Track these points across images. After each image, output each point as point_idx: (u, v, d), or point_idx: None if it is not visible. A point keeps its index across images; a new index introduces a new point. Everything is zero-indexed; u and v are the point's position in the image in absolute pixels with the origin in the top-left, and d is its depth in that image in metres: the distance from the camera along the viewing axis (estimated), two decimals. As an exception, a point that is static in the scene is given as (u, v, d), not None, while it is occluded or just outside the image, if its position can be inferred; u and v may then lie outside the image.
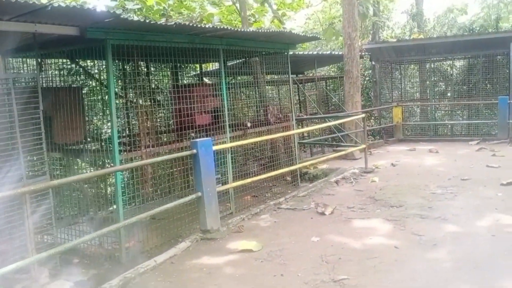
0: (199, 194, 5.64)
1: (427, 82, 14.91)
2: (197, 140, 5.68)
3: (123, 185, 6.97)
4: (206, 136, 7.20)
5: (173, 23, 5.81)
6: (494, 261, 4.39)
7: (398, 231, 5.44)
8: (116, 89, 8.66)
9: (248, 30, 7.87)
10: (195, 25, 6.22)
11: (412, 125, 15.16)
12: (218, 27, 6.62)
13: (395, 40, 15.25)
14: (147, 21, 5.45)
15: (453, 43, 13.72)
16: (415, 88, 15.94)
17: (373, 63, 15.10)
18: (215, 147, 6.12)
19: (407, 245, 4.97)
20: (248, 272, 4.62)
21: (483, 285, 3.93)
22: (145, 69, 8.74)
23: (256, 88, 9.80)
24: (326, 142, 12.42)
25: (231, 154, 7.77)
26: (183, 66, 9.59)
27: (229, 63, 9.98)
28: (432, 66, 15.09)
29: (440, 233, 5.22)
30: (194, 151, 5.60)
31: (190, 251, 5.33)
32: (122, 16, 5.10)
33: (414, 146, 12.02)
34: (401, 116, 13.63)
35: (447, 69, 15.65)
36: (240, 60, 9.77)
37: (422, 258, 4.61)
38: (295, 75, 15.09)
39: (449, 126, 14.78)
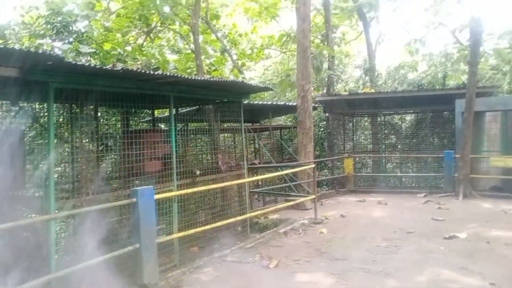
0: (137, 245, 5.38)
1: (379, 135, 15.38)
2: (137, 188, 5.48)
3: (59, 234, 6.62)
4: (156, 183, 7.00)
5: (120, 68, 5.71)
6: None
7: (341, 285, 5.36)
8: (61, 133, 8.43)
9: (199, 78, 7.89)
10: (142, 71, 6.17)
11: (364, 176, 15.47)
12: (168, 74, 6.58)
13: (347, 93, 15.75)
14: (92, 65, 5.36)
15: (403, 98, 14.30)
16: (368, 140, 16.40)
17: (327, 114, 15.47)
18: (157, 196, 5.92)
19: (348, 301, 4.89)
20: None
21: None
22: (93, 113, 8.54)
23: (209, 135, 9.75)
24: (278, 192, 12.39)
25: (180, 202, 7.57)
26: (134, 111, 9.45)
27: (182, 110, 9.95)
28: (383, 119, 15.64)
29: (381, 289, 5.19)
30: (134, 200, 5.39)
31: (124, 307, 5.03)
32: (65, 60, 5.02)
33: (364, 197, 12.19)
34: (352, 167, 13.86)
35: (397, 122, 16.25)
36: (194, 108, 9.75)
37: (362, 315, 4.53)
38: (251, 124, 15.23)
39: (399, 178, 15.16)
